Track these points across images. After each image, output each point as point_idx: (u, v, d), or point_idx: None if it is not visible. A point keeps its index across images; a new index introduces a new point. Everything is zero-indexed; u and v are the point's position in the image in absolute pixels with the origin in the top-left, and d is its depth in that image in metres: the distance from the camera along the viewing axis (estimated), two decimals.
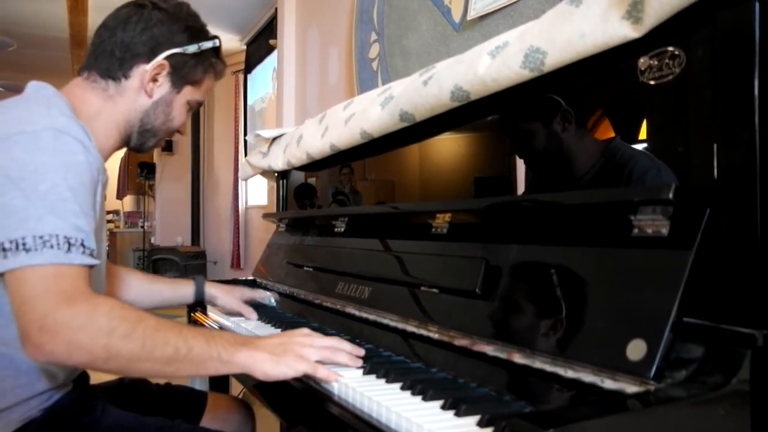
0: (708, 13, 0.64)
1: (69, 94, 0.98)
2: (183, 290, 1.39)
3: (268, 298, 1.52)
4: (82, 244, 0.80)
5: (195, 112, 6.56)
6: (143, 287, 1.32)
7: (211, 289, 1.41)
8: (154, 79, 1.03)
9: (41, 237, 0.77)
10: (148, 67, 1.01)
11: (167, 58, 1.02)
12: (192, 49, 1.04)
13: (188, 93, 1.08)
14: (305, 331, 0.91)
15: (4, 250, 0.77)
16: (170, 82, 1.04)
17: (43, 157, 0.81)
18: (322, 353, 0.86)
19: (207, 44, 1.06)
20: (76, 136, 0.85)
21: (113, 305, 0.79)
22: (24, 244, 0.76)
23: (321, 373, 0.82)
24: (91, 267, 0.82)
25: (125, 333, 0.76)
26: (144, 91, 1.03)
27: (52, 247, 0.77)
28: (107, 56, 1.01)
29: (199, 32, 1.06)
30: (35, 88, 0.95)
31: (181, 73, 1.05)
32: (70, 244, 0.78)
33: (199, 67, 1.06)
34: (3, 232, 0.78)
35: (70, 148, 0.84)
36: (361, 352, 0.91)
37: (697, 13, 0.65)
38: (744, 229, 0.59)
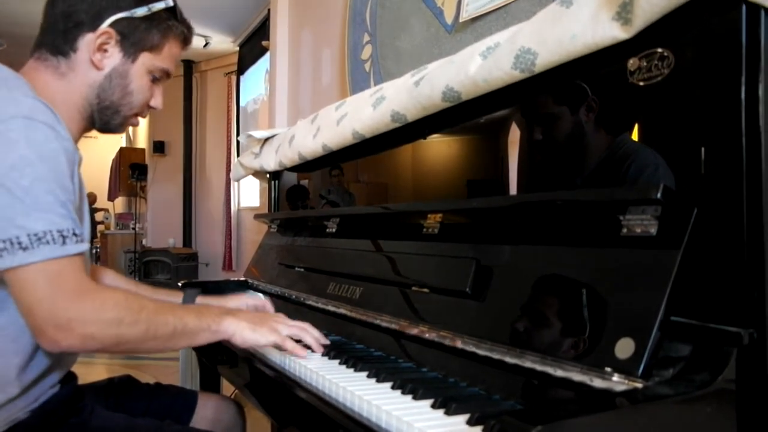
0: (697, 15, 0.65)
1: (25, 77, 0.92)
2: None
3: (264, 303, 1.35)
4: (74, 233, 0.81)
5: (188, 112, 6.50)
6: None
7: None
8: (103, 49, 0.95)
9: (35, 234, 0.77)
10: (93, 36, 0.94)
11: (113, 24, 0.94)
12: (141, 11, 0.96)
13: (147, 61, 0.99)
14: (279, 315, 1.04)
15: None
16: (121, 51, 0.96)
17: (18, 151, 0.79)
18: (291, 330, 0.99)
19: (158, 5, 0.98)
20: (45, 122, 0.82)
21: (117, 298, 0.83)
22: (20, 243, 0.76)
23: (288, 345, 0.95)
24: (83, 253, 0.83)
25: (131, 321, 0.82)
26: (92, 63, 0.95)
27: (47, 242, 0.78)
28: (51, 30, 0.95)
29: None
30: None
31: (133, 39, 0.96)
32: (64, 237, 0.79)
33: (153, 30, 0.98)
34: None
35: (41, 136, 0.81)
36: (326, 341, 1.02)
37: (686, 16, 0.65)
38: (731, 229, 0.60)
